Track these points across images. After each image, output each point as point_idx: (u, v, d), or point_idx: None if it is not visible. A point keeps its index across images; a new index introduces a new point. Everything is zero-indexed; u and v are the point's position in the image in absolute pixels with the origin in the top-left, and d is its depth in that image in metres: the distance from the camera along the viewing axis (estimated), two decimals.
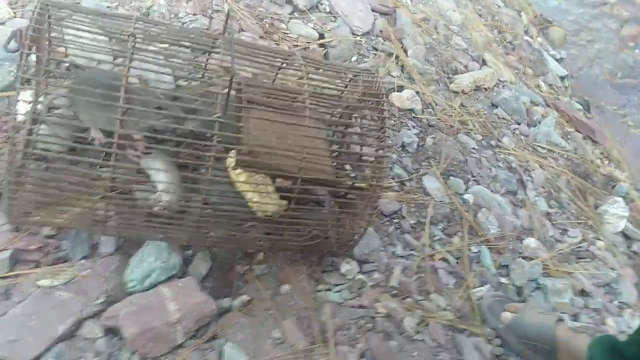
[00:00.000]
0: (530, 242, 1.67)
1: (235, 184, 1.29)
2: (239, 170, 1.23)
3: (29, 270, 1.17)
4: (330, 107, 1.37)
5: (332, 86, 1.35)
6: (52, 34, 1.14)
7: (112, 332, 1.14)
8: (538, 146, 1.97)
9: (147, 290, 1.21)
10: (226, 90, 1.05)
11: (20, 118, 1.19)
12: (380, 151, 1.19)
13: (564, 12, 2.77)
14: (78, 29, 1.09)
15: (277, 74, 1.31)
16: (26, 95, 1.20)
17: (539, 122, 2.04)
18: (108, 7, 1.66)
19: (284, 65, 1.27)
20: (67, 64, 1.39)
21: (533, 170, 1.88)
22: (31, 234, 1.22)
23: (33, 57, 1.17)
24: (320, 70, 1.30)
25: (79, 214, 1.17)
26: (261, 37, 1.76)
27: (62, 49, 1.24)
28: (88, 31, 1.10)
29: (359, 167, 1.46)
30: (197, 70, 1.37)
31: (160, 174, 1.23)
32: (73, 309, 1.13)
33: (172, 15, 1.75)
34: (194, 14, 1.76)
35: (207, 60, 1.31)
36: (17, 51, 1.08)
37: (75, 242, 1.24)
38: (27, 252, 1.20)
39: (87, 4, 1.61)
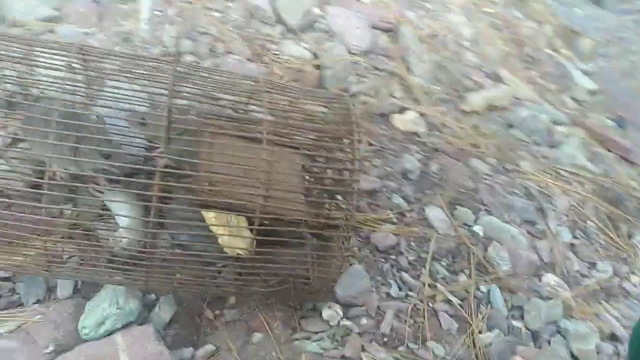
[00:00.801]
0: (550, 278, 1.48)
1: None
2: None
3: None
4: (304, 135, 1.24)
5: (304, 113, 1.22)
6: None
7: None
8: (561, 169, 1.77)
9: (102, 338, 1.11)
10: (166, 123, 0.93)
11: None
12: (353, 185, 1.04)
13: (591, 21, 2.56)
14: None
15: (248, 102, 1.19)
16: None
17: (562, 143, 1.84)
18: (86, 33, 1.58)
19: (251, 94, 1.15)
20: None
21: (555, 196, 1.68)
22: None
23: None
24: (288, 97, 1.17)
25: (37, 254, 1.07)
26: (249, 60, 1.65)
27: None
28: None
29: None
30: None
31: (123, 208, 1.14)
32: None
33: (156, 40, 1.66)
34: (178, 37, 1.67)
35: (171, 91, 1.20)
36: None
37: (30, 285, 1.15)
38: None
39: (63, 31, 1.54)
